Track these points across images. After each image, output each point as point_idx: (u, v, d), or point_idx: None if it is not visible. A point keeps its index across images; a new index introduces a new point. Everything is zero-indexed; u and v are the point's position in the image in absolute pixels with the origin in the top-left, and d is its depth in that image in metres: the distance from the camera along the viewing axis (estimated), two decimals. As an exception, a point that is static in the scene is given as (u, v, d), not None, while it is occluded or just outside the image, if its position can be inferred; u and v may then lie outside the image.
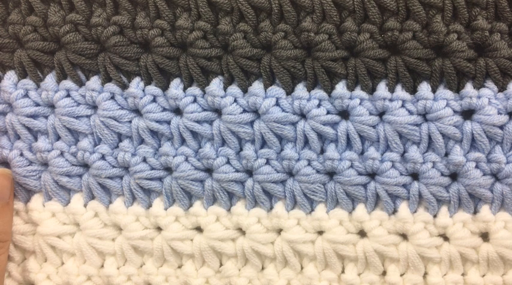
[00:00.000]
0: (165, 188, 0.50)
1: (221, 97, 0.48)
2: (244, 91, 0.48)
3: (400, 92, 0.47)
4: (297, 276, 0.51)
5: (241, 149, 0.49)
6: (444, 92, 0.47)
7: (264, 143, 0.49)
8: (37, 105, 0.50)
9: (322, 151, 0.49)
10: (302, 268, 0.51)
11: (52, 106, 0.50)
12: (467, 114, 0.47)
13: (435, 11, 0.46)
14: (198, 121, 0.49)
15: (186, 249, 0.51)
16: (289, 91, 0.48)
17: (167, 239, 0.50)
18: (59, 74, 0.50)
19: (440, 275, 0.50)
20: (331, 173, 0.49)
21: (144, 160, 0.50)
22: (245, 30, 0.47)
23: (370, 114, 0.47)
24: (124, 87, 0.49)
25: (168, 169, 0.50)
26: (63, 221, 0.52)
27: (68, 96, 0.49)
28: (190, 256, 0.51)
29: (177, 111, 0.49)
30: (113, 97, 0.49)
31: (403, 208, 0.49)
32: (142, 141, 0.50)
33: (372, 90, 0.48)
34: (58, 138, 0.50)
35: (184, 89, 0.49)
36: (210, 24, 0.47)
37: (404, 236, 0.50)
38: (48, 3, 0.48)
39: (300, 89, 0.48)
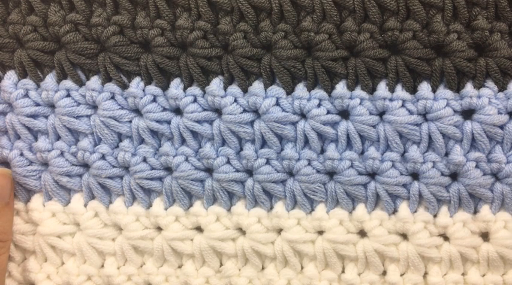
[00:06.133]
0: (165, 188, 0.50)
1: (221, 97, 0.48)
2: (245, 91, 0.48)
3: (400, 92, 0.47)
4: (297, 276, 0.51)
5: (241, 149, 0.49)
6: (444, 92, 0.47)
7: (264, 143, 0.49)
8: (37, 104, 0.50)
9: (323, 151, 0.49)
10: (302, 268, 0.51)
11: (52, 106, 0.50)
12: (468, 113, 0.47)
13: (435, 10, 0.46)
14: (198, 121, 0.49)
15: (186, 249, 0.51)
16: (289, 91, 0.48)
17: (167, 239, 0.50)
18: (59, 74, 0.50)
19: (440, 274, 0.50)
20: (331, 173, 0.49)
21: (144, 160, 0.50)
22: (245, 30, 0.47)
23: (370, 113, 0.47)
24: (124, 86, 0.49)
25: (168, 169, 0.50)
26: (63, 221, 0.52)
27: (68, 95, 0.49)
28: (190, 256, 0.51)
29: (177, 111, 0.49)
30: (113, 97, 0.49)
31: (403, 207, 0.49)
32: (142, 141, 0.50)
33: (372, 90, 0.48)
34: (58, 137, 0.50)
35: (185, 89, 0.49)
36: (210, 24, 0.47)
37: (404, 236, 0.50)
38: (48, 3, 0.48)
39: (300, 89, 0.48)
